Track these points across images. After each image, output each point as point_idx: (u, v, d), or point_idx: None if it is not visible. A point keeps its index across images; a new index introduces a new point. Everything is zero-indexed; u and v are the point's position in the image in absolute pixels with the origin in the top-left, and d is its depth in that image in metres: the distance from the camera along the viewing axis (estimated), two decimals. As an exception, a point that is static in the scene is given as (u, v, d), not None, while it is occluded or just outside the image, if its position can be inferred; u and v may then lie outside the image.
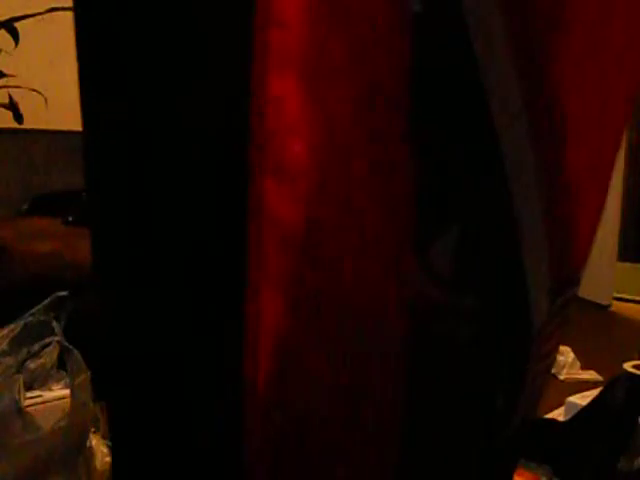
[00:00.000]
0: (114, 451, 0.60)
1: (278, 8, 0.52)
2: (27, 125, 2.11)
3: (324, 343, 0.53)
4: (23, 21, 1.87)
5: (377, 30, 0.52)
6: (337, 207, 0.54)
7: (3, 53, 1.94)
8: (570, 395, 1.28)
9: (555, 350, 0.64)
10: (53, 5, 1.80)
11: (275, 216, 0.52)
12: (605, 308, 2.91)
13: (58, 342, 0.92)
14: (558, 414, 1.32)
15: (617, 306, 2.94)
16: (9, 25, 1.90)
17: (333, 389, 0.53)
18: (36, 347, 0.93)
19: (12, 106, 2.00)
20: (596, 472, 0.96)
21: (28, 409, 0.88)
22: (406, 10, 0.52)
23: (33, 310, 0.93)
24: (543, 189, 0.56)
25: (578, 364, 2.06)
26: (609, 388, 1.06)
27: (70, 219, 1.95)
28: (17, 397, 0.88)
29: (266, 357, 0.53)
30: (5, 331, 0.92)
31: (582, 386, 1.40)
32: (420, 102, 0.53)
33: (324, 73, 0.52)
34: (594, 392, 1.13)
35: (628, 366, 1.12)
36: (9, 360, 0.91)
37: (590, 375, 2.00)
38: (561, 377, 2.02)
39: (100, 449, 0.91)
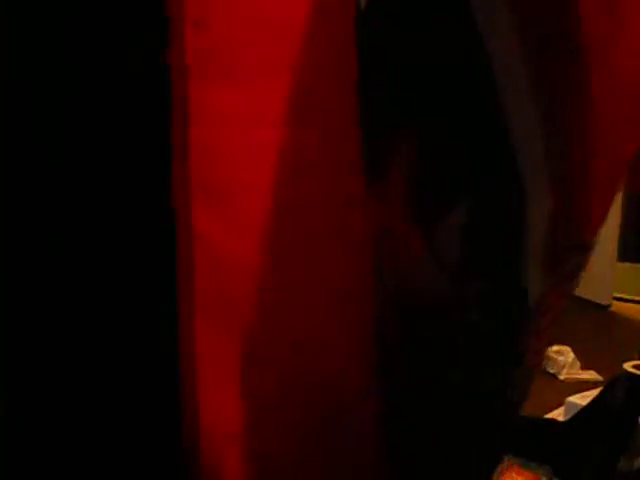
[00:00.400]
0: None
1: (194, 4, 0.46)
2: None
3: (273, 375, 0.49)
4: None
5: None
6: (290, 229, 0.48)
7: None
8: (570, 395, 1.28)
9: (552, 325, 0.63)
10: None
11: (206, 237, 0.47)
12: (605, 308, 2.90)
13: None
14: (558, 414, 1.32)
15: (617, 306, 2.93)
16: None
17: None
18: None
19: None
20: (596, 472, 0.96)
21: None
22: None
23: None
24: (552, 164, 0.54)
25: (578, 364, 2.06)
26: (609, 388, 1.06)
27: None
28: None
29: (206, 391, 0.48)
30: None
31: (582, 386, 1.40)
32: (419, 84, 0.52)
33: (253, 73, 0.47)
34: (594, 392, 1.12)
35: (628, 366, 1.11)
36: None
37: (590, 375, 2.00)
38: (561, 377, 2.02)
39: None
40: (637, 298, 3.02)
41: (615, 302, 2.95)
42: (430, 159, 0.53)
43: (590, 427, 1.03)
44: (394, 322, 0.54)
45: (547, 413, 1.39)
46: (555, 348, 2.06)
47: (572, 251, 0.59)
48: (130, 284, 0.48)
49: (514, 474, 0.98)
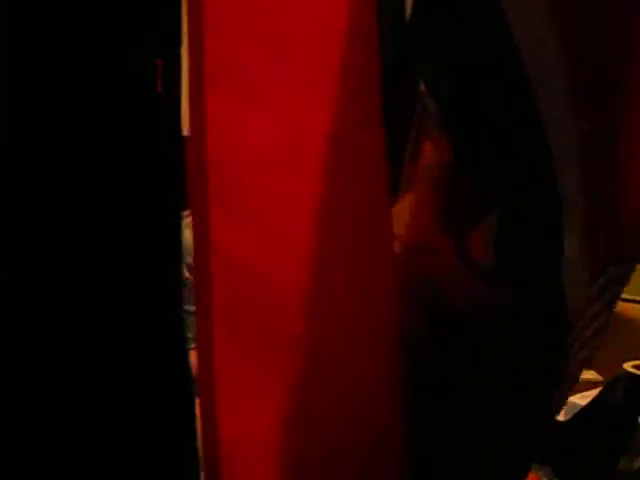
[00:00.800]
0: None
1: (211, 9, 0.44)
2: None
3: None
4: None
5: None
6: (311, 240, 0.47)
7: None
8: (570, 395, 1.27)
9: (600, 334, 0.61)
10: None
11: (224, 245, 0.46)
12: (605, 308, 2.90)
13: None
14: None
15: (617, 306, 2.93)
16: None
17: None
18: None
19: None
20: (596, 472, 0.96)
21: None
22: None
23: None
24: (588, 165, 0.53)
25: (578, 364, 2.05)
26: (609, 388, 1.06)
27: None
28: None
29: (224, 411, 0.47)
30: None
31: (582, 386, 1.40)
32: (455, 89, 0.51)
33: (271, 83, 0.45)
34: (594, 392, 1.12)
35: (628, 366, 1.11)
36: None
37: (590, 375, 1.99)
38: (561, 377, 2.01)
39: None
40: (637, 298, 3.01)
41: (615, 302, 2.95)
42: (461, 166, 0.52)
43: (590, 427, 1.02)
44: (425, 329, 0.53)
45: (547, 413, 1.38)
46: (555, 348, 2.05)
47: (613, 260, 0.58)
48: (146, 292, 0.48)
49: (514, 474, 0.98)
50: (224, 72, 0.46)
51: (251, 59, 0.47)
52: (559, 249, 0.54)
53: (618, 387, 1.04)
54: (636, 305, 3.09)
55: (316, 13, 0.47)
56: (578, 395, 1.25)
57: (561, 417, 1.26)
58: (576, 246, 0.55)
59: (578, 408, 1.12)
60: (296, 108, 0.47)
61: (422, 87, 0.52)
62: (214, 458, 0.47)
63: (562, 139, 0.52)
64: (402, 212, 0.52)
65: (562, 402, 0.63)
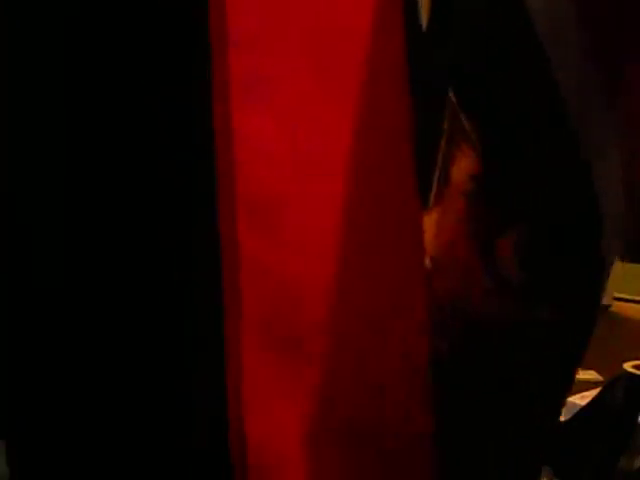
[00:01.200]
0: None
1: (235, 24, 0.44)
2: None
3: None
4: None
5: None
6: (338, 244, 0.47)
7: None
8: (570, 395, 1.27)
9: None
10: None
11: (252, 254, 0.46)
12: (605, 308, 2.90)
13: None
14: (558, 414, 1.32)
15: (617, 306, 2.93)
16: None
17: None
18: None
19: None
20: (596, 472, 0.96)
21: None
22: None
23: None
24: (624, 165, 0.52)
25: (578, 364, 2.05)
26: (609, 388, 1.06)
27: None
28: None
29: (252, 409, 0.47)
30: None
31: (582, 386, 1.40)
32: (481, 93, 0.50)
33: (295, 98, 0.46)
34: (594, 392, 1.12)
35: (628, 366, 1.11)
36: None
37: (590, 375, 1.99)
38: (561, 377, 2.01)
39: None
40: (637, 298, 3.01)
41: (615, 302, 2.94)
42: (489, 173, 0.51)
43: (590, 427, 1.02)
44: (453, 348, 0.53)
45: (547, 413, 1.38)
46: (555, 348, 2.05)
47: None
48: (176, 301, 0.49)
49: (514, 474, 0.98)
50: (250, 82, 0.46)
51: (278, 70, 0.47)
52: (598, 252, 0.53)
53: (618, 387, 1.04)
54: (635, 305, 3.09)
55: (343, 18, 0.47)
56: (578, 395, 1.25)
57: (561, 417, 1.26)
58: (616, 247, 0.54)
59: (578, 408, 1.11)
60: (323, 116, 0.48)
61: (451, 95, 0.52)
62: (242, 457, 0.47)
63: (595, 138, 0.51)
64: (432, 226, 0.52)
65: None
